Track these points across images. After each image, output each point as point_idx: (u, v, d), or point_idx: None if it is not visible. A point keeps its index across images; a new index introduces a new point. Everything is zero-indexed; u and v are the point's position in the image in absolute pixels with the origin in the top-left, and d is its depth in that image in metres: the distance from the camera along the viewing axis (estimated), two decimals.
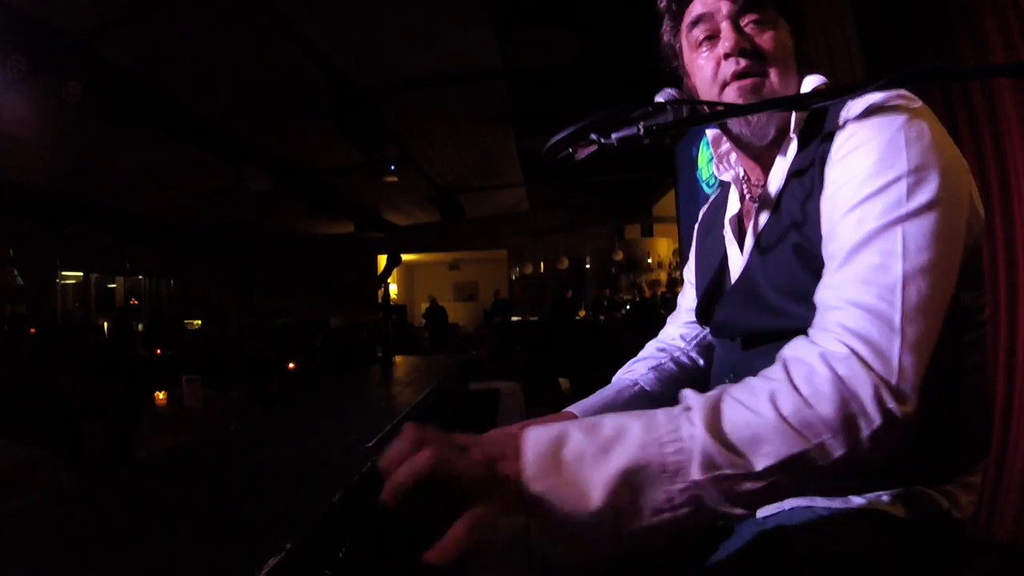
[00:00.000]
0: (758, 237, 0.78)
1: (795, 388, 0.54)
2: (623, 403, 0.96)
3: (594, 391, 1.00)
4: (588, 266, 10.08)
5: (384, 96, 4.50)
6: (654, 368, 1.01)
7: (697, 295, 0.94)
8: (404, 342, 6.54)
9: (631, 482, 0.49)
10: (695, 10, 0.78)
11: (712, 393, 0.55)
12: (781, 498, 0.60)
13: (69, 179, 5.87)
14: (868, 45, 2.48)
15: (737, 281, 0.82)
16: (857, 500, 0.71)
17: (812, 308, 0.64)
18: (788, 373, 0.55)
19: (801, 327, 0.65)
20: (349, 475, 0.59)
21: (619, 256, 9.40)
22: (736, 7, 0.74)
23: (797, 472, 0.51)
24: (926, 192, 0.60)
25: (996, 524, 1.99)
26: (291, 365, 4.85)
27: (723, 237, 0.88)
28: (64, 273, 8.61)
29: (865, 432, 0.52)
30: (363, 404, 1.12)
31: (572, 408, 0.93)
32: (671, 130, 0.71)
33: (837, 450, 0.52)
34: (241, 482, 0.60)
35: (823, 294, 0.62)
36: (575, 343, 4.77)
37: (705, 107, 0.76)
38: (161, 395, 3.52)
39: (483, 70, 4.15)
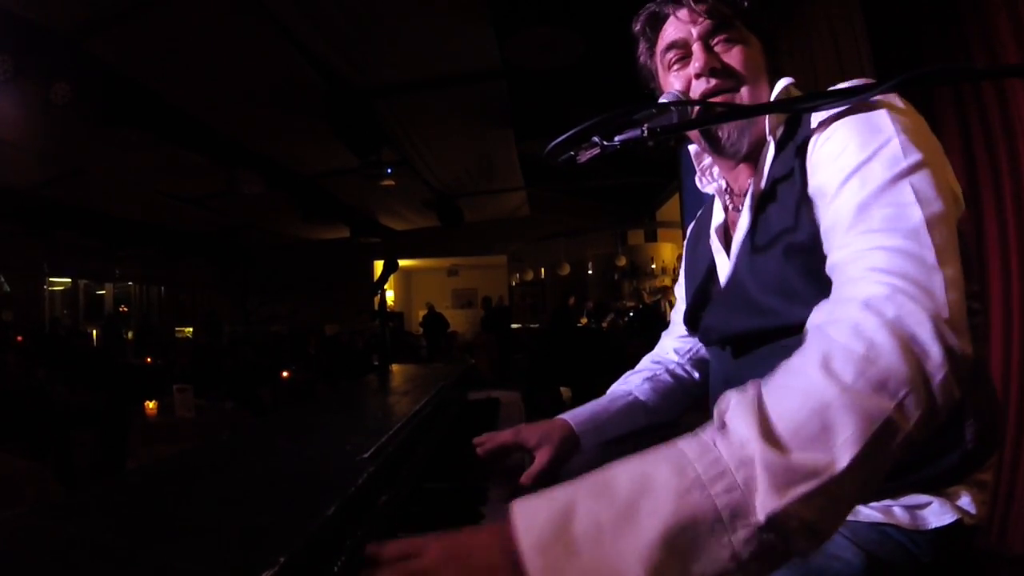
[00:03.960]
0: (744, 240, 0.79)
1: (847, 347, 0.45)
2: (615, 412, 0.94)
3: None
4: (590, 272, 10.02)
5: (381, 97, 4.45)
6: (649, 379, 1.01)
7: (686, 305, 0.95)
8: (401, 350, 6.47)
9: (676, 549, 0.37)
10: (668, 35, 0.82)
11: (748, 393, 0.44)
12: (865, 500, 0.52)
13: (57, 183, 5.81)
14: (878, 46, 2.44)
15: (725, 285, 0.83)
16: (865, 511, 0.69)
17: (800, 305, 0.63)
18: (831, 335, 0.47)
19: (789, 325, 0.66)
20: (344, 487, 0.57)
21: (622, 262, 9.34)
22: (707, 29, 0.78)
23: (885, 452, 0.41)
24: (919, 149, 0.60)
25: (1010, 535, 1.94)
26: (285, 374, 4.79)
27: (710, 247, 0.90)
28: (52, 279, 8.54)
29: (937, 377, 0.44)
30: (359, 414, 1.11)
31: (565, 416, 0.91)
32: (675, 132, 0.72)
33: (917, 408, 0.43)
34: (234, 494, 0.58)
35: (837, 255, 0.59)
36: (577, 351, 4.71)
37: (715, 108, 0.76)
38: (151, 404, 3.46)
39: (483, 71, 4.09)
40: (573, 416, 0.91)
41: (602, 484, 0.41)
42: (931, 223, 0.55)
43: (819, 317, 0.53)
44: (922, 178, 0.58)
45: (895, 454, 0.43)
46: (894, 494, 0.68)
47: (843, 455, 0.40)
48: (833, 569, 0.64)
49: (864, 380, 0.43)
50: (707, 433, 0.42)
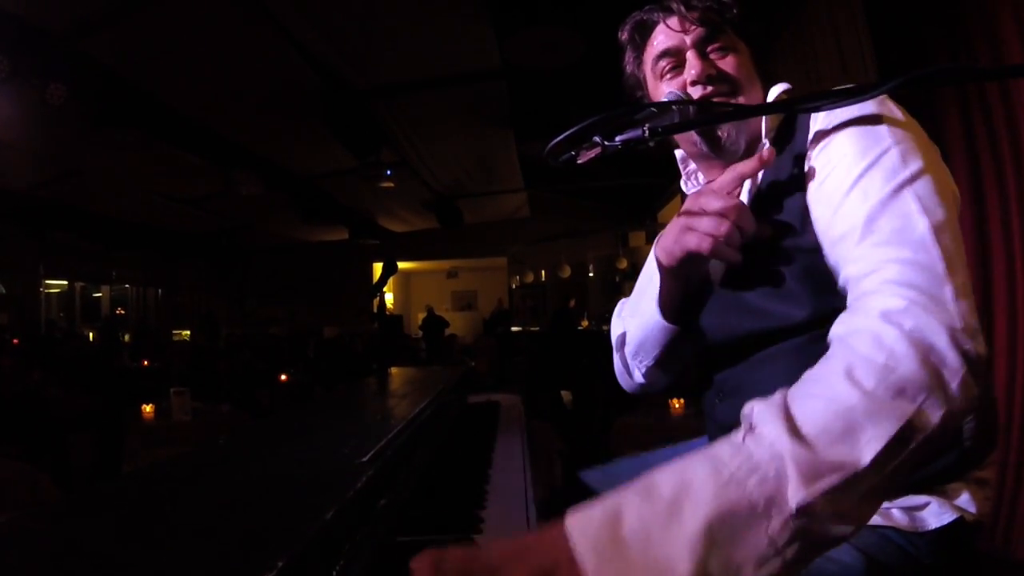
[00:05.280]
0: None
1: (868, 357, 0.49)
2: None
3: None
4: (591, 274, 10.00)
5: (380, 98, 4.43)
6: None
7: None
8: (400, 353, 6.45)
9: (718, 539, 0.41)
10: (659, 43, 0.81)
11: (774, 399, 0.48)
12: (892, 495, 0.53)
13: (53, 184, 5.79)
14: (881, 45, 2.43)
15: (719, 287, 0.83)
16: None
17: (796, 307, 0.66)
18: (852, 346, 0.51)
19: (785, 327, 0.68)
20: (343, 490, 0.57)
21: (623, 264, 9.32)
22: (699, 36, 0.78)
23: (907, 451, 0.45)
24: (918, 157, 0.62)
25: (1015, 539, 1.92)
26: (283, 377, 4.77)
27: None
28: (48, 282, 8.51)
29: (954, 382, 0.48)
30: (358, 417, 1.11)
31: None
32: (676, 132, 0.74)
33: (937, 409, 0.47)
34: (231, 497, 0.58)
35: (850, 270, 0.61)
36: (577, 354, 4.69)
37: (716, 108, 0.76)
38: (148, 408, 3.45)
39: (482, 71, 4.08)
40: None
41: (646, 488, 0.44)
42: (937, 231, 0.58)
43: (840, 328, 0.55)
44: (924, 186, 0.60)
45: (919, 453, 0.46)
46: (893, 496, 0.68)
47: (867, 452, 0.43)
48: (831, 572, 0.64)
49: (885, 386, 0.46)
50: (737, 436, 0.46)
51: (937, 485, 0.69)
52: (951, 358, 0.49)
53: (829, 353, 0.53)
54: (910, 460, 0.46)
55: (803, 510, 0.42)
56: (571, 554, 0.42)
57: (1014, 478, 1.91)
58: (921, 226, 0.58)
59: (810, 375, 0.51)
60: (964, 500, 0.69)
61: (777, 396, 0.48)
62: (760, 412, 0.46)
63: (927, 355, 0.49)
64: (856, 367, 0.48)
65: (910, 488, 0.69)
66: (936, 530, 0.67)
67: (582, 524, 0.43)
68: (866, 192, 0.62)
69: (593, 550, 0.41)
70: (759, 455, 0.43)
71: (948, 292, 0.53)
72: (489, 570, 0.42)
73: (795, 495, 0.42)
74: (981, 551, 0.75)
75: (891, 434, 0.44)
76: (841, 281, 0.63)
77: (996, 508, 1.87)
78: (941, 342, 0.49)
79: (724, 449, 0.45)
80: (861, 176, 0.63)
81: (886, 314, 0.52)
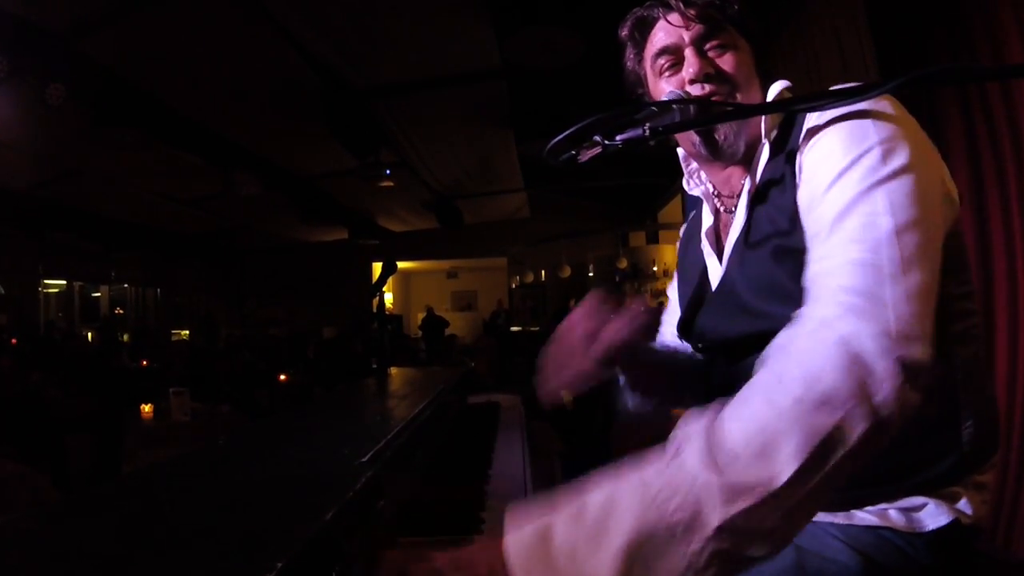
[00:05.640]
0: (736, 243, 0.79)
1: (791, 372, 0.49)
2: (679, 360, 0.94)
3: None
4: (591, 274, 9.99)
5: (379, 97, 4.43)
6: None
7: (680, 310, 0.96)
8: (400, 353, 6.43)
9: (639, 558, 0.43)
10: (659, 40, 0.80)
11: (700, 421, 0.50)
12: (819, 508, 0.53)
13: (52, 184, 5.79)
14: (882, 45, 2.43)
15: (716, 288, 0.83)
16: (860, 515, 0.69)
17: (792, 307, 0.63)
18: (777, 362, 0.52)
19: (780, 327, 0.66)
20: (343, 491, 0.57)
21: (623, 264, 9.30)
22: (699, 34, 0.77)
23: (828, 464, 0.45)
24: (899, 157, 0.60)
25: (1016, 540, 1.91)
26: (282, 377, 4.76)
27: (701, 251, 0.90)
28: (47, 281, 8.50)
29: (884, 390, 0.47)
30: (357, 418, 1.11)
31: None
32: (677, 131, 0.73)
33: (863, 419, 0.46)
34: (231, 498, 0.58)
35: (813, 268, 0.61)
36: None
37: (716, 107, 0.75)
38: (147, 408, 3.49)
39: (482, 71, 4.07)
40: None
41: (577, 508, 0.47)
42: (900, 231, 0.56)
43: (781, 339, 0.56)
44: (899, 186, 0.59)
45: (845, 465, 0.46)
46: (890, 497, 0.68)
47: (785, 469, 0.44)
48: (829, 573, 0.65)
49: (808, 399, 0.46)
50: (664, 459, 0.48)
51: (936, 488, 0.69)
52: (880, 366, 0.48)
53: (766, 363, 0.53)
54: (835, 473, 0.46)
55: (721, 531, 0.43)
56: (505, 568, 0.45)
57: (1015, 479, 1.91)
58: (884, 225, 0.56)
59: (742, 391, 0.51)
60: (962, 503, 0.69)
61: (706, 416, 0.49)
62: (685, 434, 0.48)
63: (852, 365, 0.48)
64: (782, 381, 0.49)
65: (909, 490, 0.69)
66: (933, 531, 0.67)
67: (517, 542, 0.46)
68: (842, 190, 0.61)
69: (524, 566, 0.45)
70: (680, 479, 0.45)
71: (892, 295, 0.52)
72: (434, 572, 0.46)
73: (711, 519, 0.43)
74: (981, 552, 0.74)
75: (808, 449, 0.44)
76: (806, 280, 0.62)
77: (997, 509, 1.86)
78: (869, 350, 0.49)
79: (650, 471, 0.47)
80: (840, 175, 0.62)
81: (822, 323, 0.52)
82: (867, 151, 0.62)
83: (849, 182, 0.61)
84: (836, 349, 0.49)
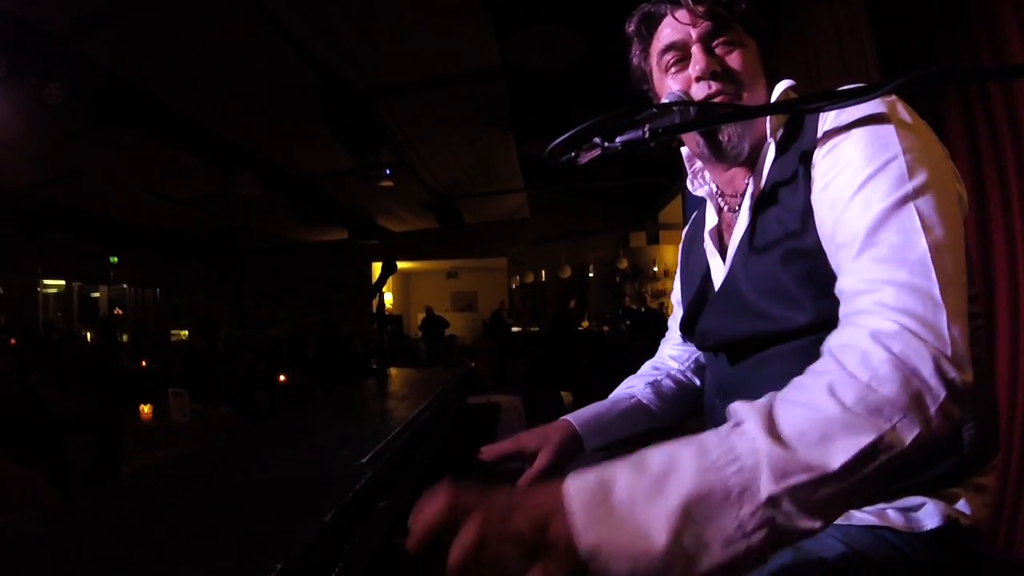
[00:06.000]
0: (740, 243, 0.79)
1: (852, 374, 0.52)
2: (619, 414, 0.97)
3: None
4: (591, 275, 9.99)
5: (379, 98, 4.42)
6: (650, 384, 1.03)
7: (682, 310, 0.96)
8: (400, 354, 6.43)
9: (694, 516, 0.46)
10: (665, 37, 0.80)
11: (760, 402, 0.52)
12: (861, 502, 0.55)
13: (51, 184, 5.79)
14: (883, 45, 2.43)
15: (719, 288, 0.83)
16: (859, 515, 0.69)
17: (798, 310, 0.67)
18: (840, 361, 0.53)
19: (783, 329, 0.69)
20: (342, 492, 0.57)
21: (624, 265, 9.31)
22: (706, 31, 0.77)
23: (875, 464, 0.48)
24: (925, 169, 0.61)
25: (1018, 541, 1.91)
26: (282, 378, 4.75)
27: (704, 251, 0.90)
28: (45, 282, 8.50)
29: (933, 407, 0.51)
30: (357, 418, 1.11)
31: (568, 417, 0.93)
32: (677, 133, 0.73)
33: (911, 431, 0.50)
34: (230, 500, 0.58)
35: (847, 282, 0.62)
36: (578, 355, 4.68)
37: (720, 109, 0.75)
38: (146, 409, 3.47)
39: (482, 71, 4.07)
40: (576, 417, 0.93)
41: (639, 461, 0.49)
42: (936, 250, 0.58)
43: (833, 341, 0.57)
44: (928, 201, 0.60)
45: (888, 467, 0.49)
46: (889, 497, 0.69)
47: (836, 459, 0.47)
48: (827, 572, 0.65)
49: (864, 404, 0.49)
50: (725, 428, 0.50)
51: (935, 489, 0.69)
52: (934, 385, 0.51)
53: (819, 363, 0.55)
54: (877, 472, 0.49)
55: (771, 502, 0.46)
56: (565, 510, 0.47)
57: (1016, 480, 1.91)
58: (920, 245, 0.58)
59: (798, 382, 0.54)
60: (962, 505, 0.69)
61: (765, 399, 0.52)
62: (746, 410, 0.51)
63: (910, 379, 0.51)
64: (840, 382, 0.51)
65: (908, 490, 0.69)
66: (932, 531, 0.67)
67: (579, 485, 0.48)
68: (869, 201, 0.61)
69: (584, 509, 0.46)
70: (740, 447, 0.48)
71: (942, 319, 0.55)
72: (495, 508, 0.47)
73: (766, 487, 0.46)
74: (981, 552, 0.73)
75: (861, 447, 0.48)
76: (836, 289, 0.63)
77: (998, 510, 1.86)
78: (926, 369, 0.52)
79: (711, 438, 0.49)
80: (865, 183, 0.62)
81: (876, 335, 0.54)
82: (891, 160, 0.62)
83: (876, 193, 0.61)
84: (893, 363, 0.52)
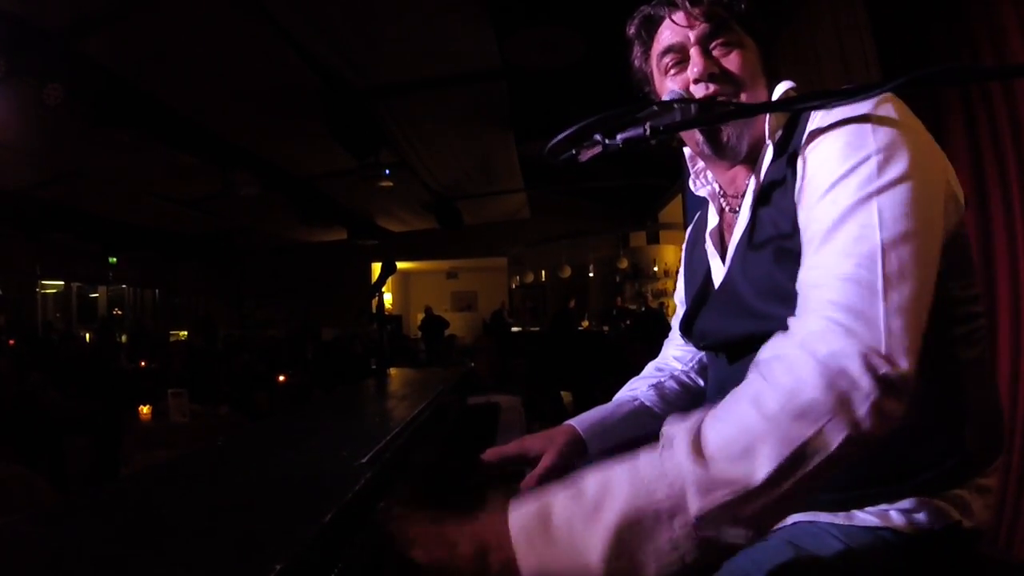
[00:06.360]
0: (739, 244, 0.79)
1: (776, 382, 0.52)
2: (622, 418, 0.98)
3: (598, 405, 1.01)
4: (592, 275, 9.99)
5: (379, 98, 4.42)
6: (654, 386, 1.03)
7: (683, 310, 0.97)
8: (399, 354, 6.43)
9: (627, 538, 0.48)
10: (664, 39, 0.80)
11: (692, 418, 0.54)
12: (795, 507, 0.57)
13: (50, 184, 5.78)
14: (883, 45, 2.42)
15: (719, 288, 0.84)
16: (860, 515, 0.69)
17: (792, 309, 0.64)
18: (765, 371, 0.54)
19: (783, 329, 0.67)
20: (341, 493, 0.57)
21: (624, 264, 9.31)
22: (704, 32, 0.77)
23: (803, 470, 0.49)
24: (897, 167, 0.60)
25: (1018, 543, 1.91)
26: (281, 378, 4.75)
27: (706, 251, 0.90)
28: (44, 282, 8.49)
29: (863, 405, 0.50)
30: (356, 419, 1.11)
31: (572, 421, 0.94)
32: (678, 131, 0.73)
33: (839, 432, 0.49)
34: (229, 500, 0.58)
35: (804, 276, 0.62)
36: (578, 355, 4.68)
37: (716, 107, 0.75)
38: (146, 409, 3.48)
39: (482, 71, 4.06)
40: (579, 421, 0.94)
41: (576, 488, 0.52)
42: (889, 246, 0.57)
43: (765, 352, 0.58)
44: (893, 196, 0.59)
45: (821, 471, 0.50)
46: (891, 498, 0.68)
47: (760, 471, 0.48)
48: (829, 573, 0.65)
49: (787, 411, 0.50)
50: (657, 449, 0.52)
51: (938, 490, 0.68)
52: (863, 383, 0.51)
53: (748, 375, 0.56)
54: (809, 478, 0.49)
55: (701, 519, 0.47)
56: (507, 539, 0.50)
57: (1017, 480, 1.90)
58: (874, 239, 0.57)
59: (728, 396, 0.55)
60: (964, 506, 0.68)
61: (696, 414, 0.53)
62: (676, 429, 0.52)
63: (835, 380, 0.51)
64: (764, 392, 0.52)
65: (911, 491, 0.68)
66: (934, 533, 0.67)
67: (520, 516, 0.51)
68: (836, 199, 0.61)
69: (524, 538, 0.50)
70: (667, 468, 0.49)
71: (878, 311, 0.54)
72: (443, 537, 0.52)
73: (693, 506, 0.47)
74: (982, 554, 0.73)
75: (784, 455, 0.48)
76: (797, 282, 0.63)
77: (999, 511, 1.85)
78: (854, 367, 0.51)
79: (644, 460, 0.51)
80: (836, 183, 0.62)
81: (804, 341, 0.54)
82: (864, 160, 0.61)
83: (844, 192, 0.61)
84: (820, 364, 0.52)
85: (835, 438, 0.49)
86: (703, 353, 1.01)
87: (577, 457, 0.90)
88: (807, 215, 0.65)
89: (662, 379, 1.04)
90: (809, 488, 0.50)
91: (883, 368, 0.51)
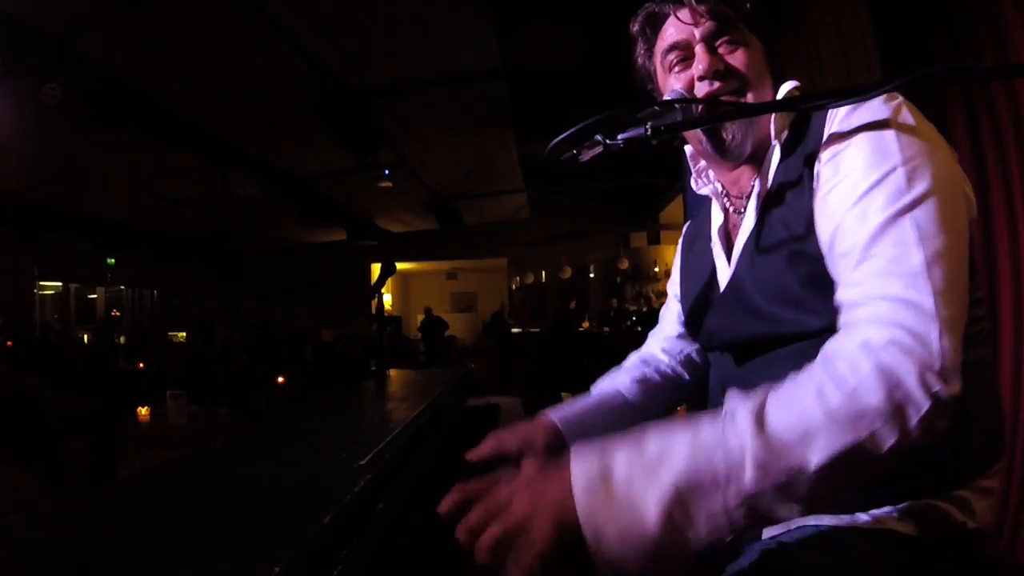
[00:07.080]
0: (746, 244, 0.79)
1: (840, 380, 0.54)
2: (603, 413, 0.97)
3: None
4: (592, 276, 10.00)
5: (378, 97, 4.41)
6: (638, 380, 1.02)
7: (685, 308, 0.96)
8: (399, 355, 6.41)
9: (684, 498, 0.50)
10: (669, 36, 0.80)
11: (755, 396, 0.56)
12: (836, 496, 0.60)
13: (48, 185, 5.77)
14: (885, 45, 2.42)
15: (726, 289, 0.83)
16: (864, 517, 0.70)
17: (804, 313, 0.68)
18: (831, 367, 0.56)
19: (791, 332, 0.70)
20: (341, 495, 0.57)
21: (624, 265, 9.33)
22: (709, 30, 0.77)
23: (851, 465, 0.52)
24: (924, 179, 0.62)
25: (1021, 544, 1.90)
26: (280, 380, 4.74)
27: (710, 249, 0.89)
28: (42, 283, 8.48)
29: (914, 418, 0.53)
30: (356, 420, 1.12)
31: (551, 415, 0.93)
32: (679, 130, 0.73)
33: (889, 438, 0.52)
34: (228, 502, 0.58)
35: (846, 293, 0.63)
36: (578, 355, 4.67)
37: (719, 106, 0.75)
38: (144, 411, 3.48)
39: (482, 71, 4.06)
40: (559, 415, 0.93)
41: (637, 444, 0.54)
42: (931, 263, 0.59)
43: (828, 347, 0.60)
44: (926, 211, 0.61)
45: (864, 470, 0.53)
46: (894, 500, 0.68)
47: (815, 458, 0.51)
48: (829, 572, 0.65)
49: (845, 410, 0.52)
50: (719, 418, 0.55)
51: (940, 491, 0.68)
52: (918, 397, 0.53)
53: (813, 366, 0.58)
54: (854, 474, 0.53)
55: (752, 489, 0.50)
56: (570, 492, 0.52)
57: (1019, 481, 1.89)
58: (915, 258, 0.59)
59: (791, 382, 0.57)
60: (966, 508, 0.68)
61: (759, 393, 0.56)
62: (740, 402, 0.55)
63: (894, 390, 0.53)
64: (828, 386, 0.54)
65: (913, 493, 0.68)
66: (937, 535, 0.67)
67: (580, 468, 0.53)
68: (866, 213, 0.62)
69: (586, 492, 0.52)
70: (730, 438, 0.52)
71: (933, 331, 0.56)
72: (501, 496, 0.54)
73: (750, 476, 0.50)
74: (984, 555, 0.73)
75: (839, 449, 0.51)
76: (836, 299, 0.64)
77: (1001, 512, 1.84)
78: (911, 381, 0.54)
79: (708, 426, 0.54)
80: (864, 195, 0.63)
81: (867, 345, 0.56)
82: (891, 171, 0.62)
83: (875, 205, 0.62)
84: (879, 373, 0.54)
85: (885, 443, 0.52)
86: (692, 348, 1.02)
87: (557, 455, 0.89)
88: (832, 223, 0.66)
89: (646, 372, 1.03)
90: (852, 483, 0.54)
91: (936, 386, 0.54)
